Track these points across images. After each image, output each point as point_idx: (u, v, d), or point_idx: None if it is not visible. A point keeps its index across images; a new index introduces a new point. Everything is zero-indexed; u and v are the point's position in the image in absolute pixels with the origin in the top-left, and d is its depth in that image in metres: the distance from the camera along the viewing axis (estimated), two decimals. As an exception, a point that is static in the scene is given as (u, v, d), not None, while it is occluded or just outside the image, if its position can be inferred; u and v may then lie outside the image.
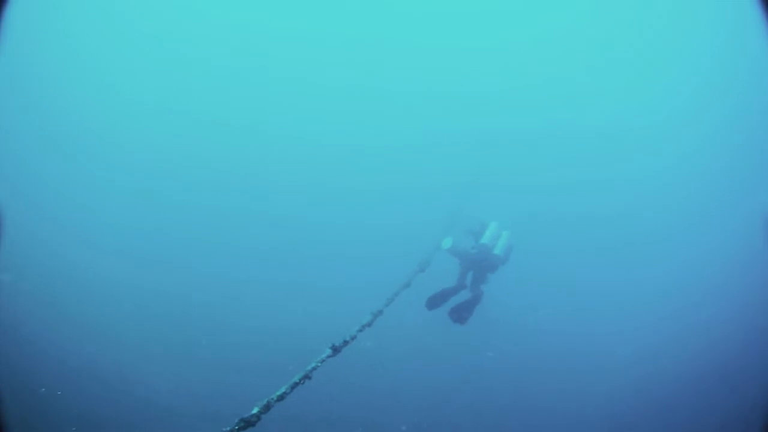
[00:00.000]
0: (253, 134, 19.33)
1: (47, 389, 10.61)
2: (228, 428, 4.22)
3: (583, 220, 16.89)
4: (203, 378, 12.27)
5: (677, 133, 17.73)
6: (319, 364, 5.32)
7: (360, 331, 6.08)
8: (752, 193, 14.68)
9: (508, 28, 19.78)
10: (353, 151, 19.01)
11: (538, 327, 14.51)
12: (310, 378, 5.20)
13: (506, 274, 8.20)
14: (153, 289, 14.44)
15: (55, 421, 10.09)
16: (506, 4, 19.57)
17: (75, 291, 13.58)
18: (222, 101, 19.79)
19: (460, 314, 7.85)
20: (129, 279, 14.54)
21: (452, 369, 13.37)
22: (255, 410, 4.46)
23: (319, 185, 18.11)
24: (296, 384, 4.96)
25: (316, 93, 20.42)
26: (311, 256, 15.85)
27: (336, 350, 5.52)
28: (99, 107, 18.71)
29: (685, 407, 12.23)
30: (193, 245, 16.19)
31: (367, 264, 14.39)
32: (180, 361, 12.79)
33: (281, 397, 4.72)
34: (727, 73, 16.43)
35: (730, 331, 13.23)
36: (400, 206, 16.86)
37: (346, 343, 5.73)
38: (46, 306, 12.49)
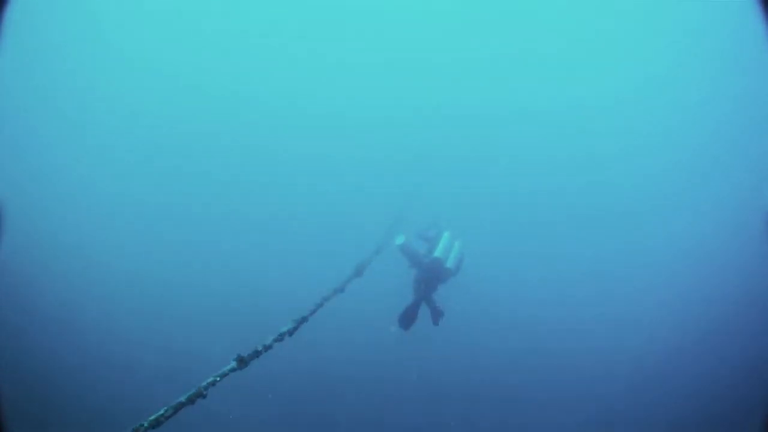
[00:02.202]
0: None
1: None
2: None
3: (575, 222, 16.97)
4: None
5: (676, 136, 17.56)
6: (218, 379, 4.20)
7: (277, 340, 5.00)
8: (753, 193, 14.75)
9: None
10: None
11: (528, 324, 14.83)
12: (204, 396, 4.09)
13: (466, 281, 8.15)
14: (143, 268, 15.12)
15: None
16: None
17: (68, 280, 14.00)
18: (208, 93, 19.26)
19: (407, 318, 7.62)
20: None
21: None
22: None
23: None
24: (182, 405, 3.82)
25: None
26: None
27: (242, 362, 4.41)
28: (96, 106, 18.15)
29: (685, 406, 12.37)
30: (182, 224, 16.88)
31: (304, 262, 14.14)
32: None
33: (156, 423, 3.57)
34: (727, 72, 16.38)
35: (729, 331, 13.27)
36: (344, 204, 16.46)
37: (257, 353, 4.63)
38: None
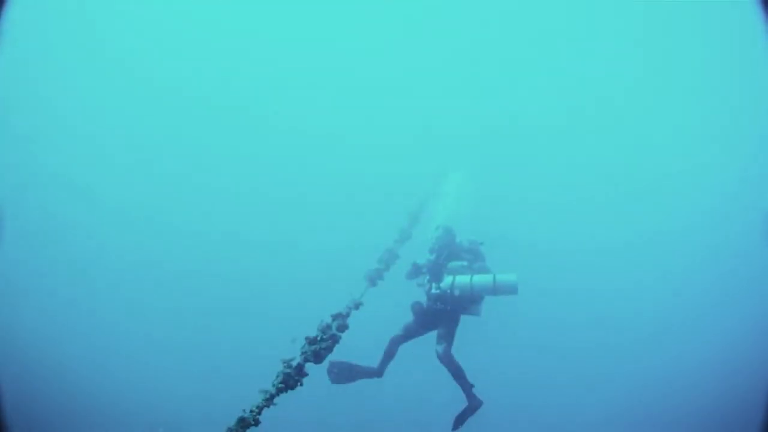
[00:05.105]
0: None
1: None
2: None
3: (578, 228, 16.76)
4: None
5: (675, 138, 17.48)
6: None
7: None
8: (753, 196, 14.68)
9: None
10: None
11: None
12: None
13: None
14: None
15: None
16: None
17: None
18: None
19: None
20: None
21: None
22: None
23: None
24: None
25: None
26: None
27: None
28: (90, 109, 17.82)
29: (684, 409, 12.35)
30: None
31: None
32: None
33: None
34: (727, 74, 16.32)
35: (731, 334, 13.26)
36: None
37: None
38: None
